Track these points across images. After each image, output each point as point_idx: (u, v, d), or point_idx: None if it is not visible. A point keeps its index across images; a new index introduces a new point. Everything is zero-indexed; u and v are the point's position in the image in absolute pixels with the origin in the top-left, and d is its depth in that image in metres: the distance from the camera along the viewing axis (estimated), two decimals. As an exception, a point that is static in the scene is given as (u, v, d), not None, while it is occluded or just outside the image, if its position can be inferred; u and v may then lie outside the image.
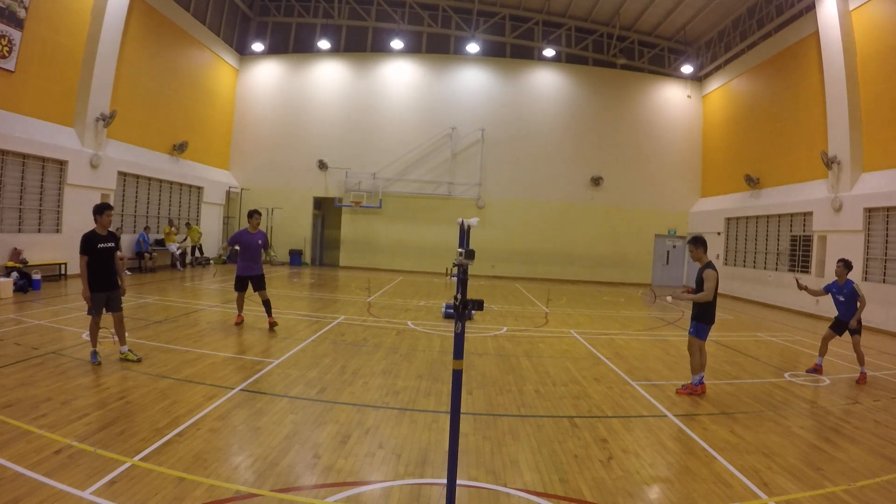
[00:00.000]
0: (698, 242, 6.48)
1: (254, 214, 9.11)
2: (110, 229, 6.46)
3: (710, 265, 6.36)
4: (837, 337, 7.86)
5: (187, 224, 19.73)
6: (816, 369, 7.86)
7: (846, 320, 7.62)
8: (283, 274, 19.11)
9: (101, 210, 6.27)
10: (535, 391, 6.22)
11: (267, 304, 8.98)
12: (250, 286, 9.10)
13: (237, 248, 9.09)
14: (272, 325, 8.84)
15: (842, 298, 7.67)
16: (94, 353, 6.23)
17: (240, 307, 9.28)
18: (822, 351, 7.96)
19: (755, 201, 18.60)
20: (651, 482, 3.99)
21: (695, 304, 6.41)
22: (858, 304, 7.51)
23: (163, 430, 4.37)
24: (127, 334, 6.71)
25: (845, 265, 7.77)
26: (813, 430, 5.30)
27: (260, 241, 9.04)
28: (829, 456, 4.60)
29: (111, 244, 6.35)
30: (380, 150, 23.04)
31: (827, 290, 7.91)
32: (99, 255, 6.22)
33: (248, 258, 9.00)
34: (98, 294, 6.23)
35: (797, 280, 8.13)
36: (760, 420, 5.52)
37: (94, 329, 6.28)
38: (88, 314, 6.28)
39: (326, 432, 4.60)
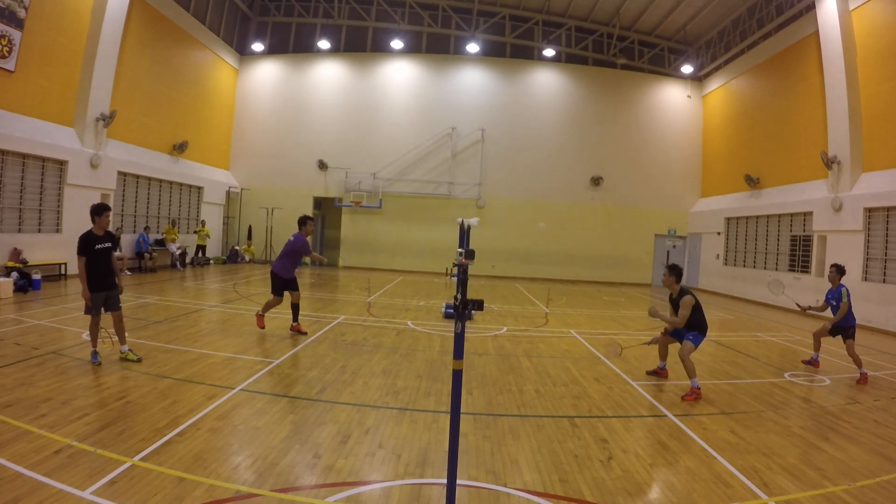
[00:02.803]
0: (674, 270, 6.63)
1: (307, 221, 8.69)
2: (109, 230, 6.47)
3: (685, 292, 6.52)
4: (831, 337, 7.97)
5: (203, 222, 20.10)
6: (812, 362, 8.02)
7: (840, 324, 7.71)
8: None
9: (100, 211, 6.26)
10: (535, 391, 6.22)
11: (296, 308, 8.75)
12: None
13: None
14: (300, 332, 8.64)
15: (834, 303, 7.79)
16: (95, 353, 6.23)
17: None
18: (816, 346, 8.13)
19: (755, 201, 18.60)
20: (651, 482, 3.99)
21: (692, 314, 6.46)
22: (840, 307, 7.62)
23: (163, 430, 4.37)
24: (127, 334, 6.71)
25: (838, 270, 7.91)
26: (813, 430, 5.30)
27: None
28: (829, 456, 4.60)
29: (108, 244, 6.35)
30: (380, 150, 23.05)
31: (826, 300, 8.01)
32: (96, 255, 6.21)
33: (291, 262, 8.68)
34: (97, 294, 6.22)
35: (797, 304, 8.27)
36: (760, 420, 5.52)
37: (94, 329, 6.28)
38: (86, 314, 6.28)
39: (326, 432, 4.60)
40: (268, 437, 4.40)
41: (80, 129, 14.36)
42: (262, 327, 8.56)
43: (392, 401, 5.60)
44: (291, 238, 8.57)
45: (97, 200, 14.51)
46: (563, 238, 22.98)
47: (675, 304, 6.62)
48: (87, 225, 6.39)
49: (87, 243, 6.14)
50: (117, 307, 6.41)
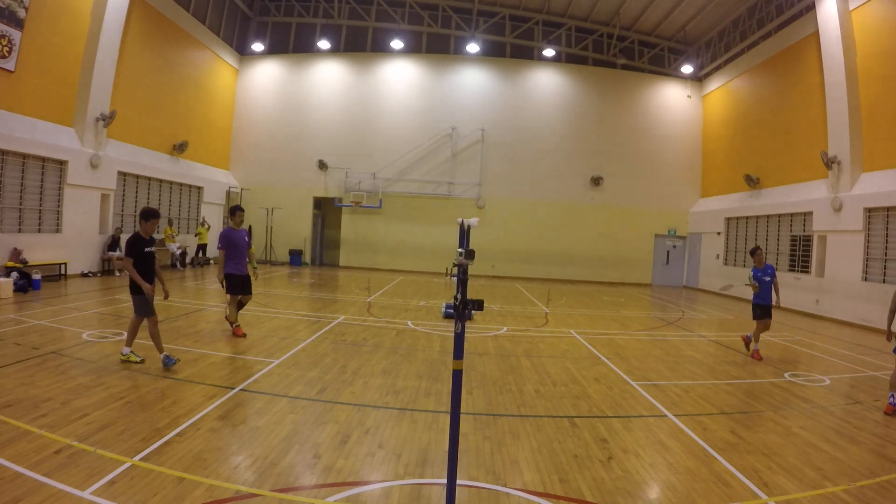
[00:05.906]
0: None
1: (237, 211, 8.55)
2: (153, 235, 6.53)
3: None
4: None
5: (202, 222, 20.11)
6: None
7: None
8: (283, 274, 19.10)
9: (148, 217, 6.34)
10: (535, 391, 6.22)
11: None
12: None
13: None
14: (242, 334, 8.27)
15: (767, 279, 8.74)
16: (168, 357, 6.23)
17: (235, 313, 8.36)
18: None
19: (755, 201, 18.60)
20: (651, 482, 3.99)
21: None
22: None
23: (163, 430, 4.37)
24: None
25: (762, 252, 9.01)
26: (813, 430, 5.30)
27: (247, 239, 8.57)
28: (829, 456, 4.60)
29: (152, 249, 6.48)
30: (380, 150, 23.05)
31: (758, 276, 8.71)
32: (143, 258, 6.31)
33: (238, 258, 8.35)
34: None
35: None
36: (760, 420, 5.52)
37: (135, 329, 6.34)
38: (140, 315, 6.28)
39: (326, 432, 4.60)
40: (268, 437, 4.40)
41: (80, 129, 14.35)
42: (244, 335, 8.16)
43: (392, 401, 5.60)
44: (225, 232, 8.34)
45: (97, 200, 14.56)
46: (563, 238, 22.97)
47: None
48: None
49: (135, 245, 6.24)
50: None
